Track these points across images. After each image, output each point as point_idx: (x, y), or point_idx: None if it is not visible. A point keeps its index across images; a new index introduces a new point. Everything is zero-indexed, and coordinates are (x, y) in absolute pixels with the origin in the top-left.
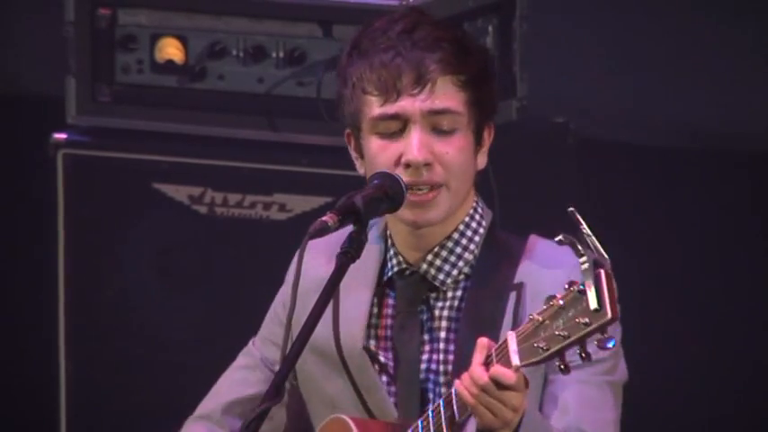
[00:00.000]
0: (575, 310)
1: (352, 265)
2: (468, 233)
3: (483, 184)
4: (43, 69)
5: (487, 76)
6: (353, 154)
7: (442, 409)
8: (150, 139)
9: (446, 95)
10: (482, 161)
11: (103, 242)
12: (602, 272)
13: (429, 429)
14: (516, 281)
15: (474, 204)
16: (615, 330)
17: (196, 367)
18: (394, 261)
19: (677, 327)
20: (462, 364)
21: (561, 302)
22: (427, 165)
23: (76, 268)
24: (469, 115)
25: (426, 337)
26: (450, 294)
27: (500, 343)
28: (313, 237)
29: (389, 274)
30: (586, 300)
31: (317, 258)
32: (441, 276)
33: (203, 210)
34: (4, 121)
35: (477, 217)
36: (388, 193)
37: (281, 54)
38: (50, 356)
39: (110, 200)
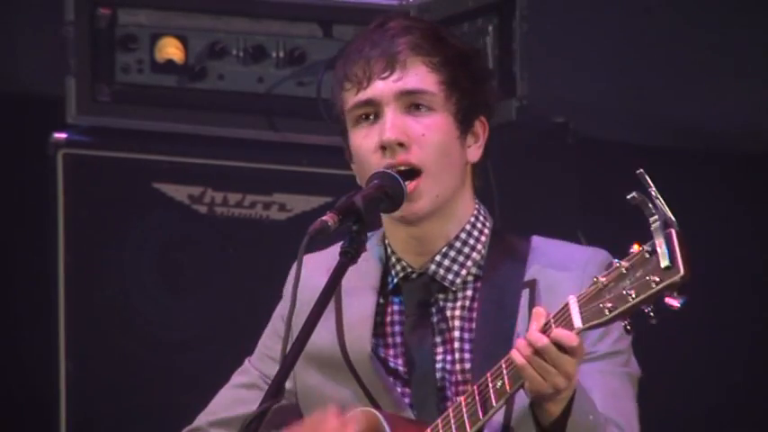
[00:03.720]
0: (643, 269)
1: (352, 273)
2: (475, 233)
3: (483, 184)
4: (43, 69)
5: (467, 64)
6: (348, 157)
7: (489, 382)
8: (150, 139)
9: (418, 76)
10: (474, 154)
11: (103, 242)
12: (673, 231)
13: (475, 404)
14: (527, 278)
15: (477, 206)
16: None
17: (196, 367)
18: (398, 267)
19: (676, 326)
20: (481, 361)
21: (627, 264)
22: (402, 145)
23: (76, 268)
24: (446, 96)
25: (438, 338)
26: (460, 295)
27: (559, 308)
28: (313, 237)
29: (395, 280)
30: (657, 258)
31: (314, 270)
32: (450, 276)
33: (203, 210)
34: (4, 121)
35: (482, 218)
36: (388, 193)
37: (281, 54)
38: (50, 356)
39: (110, 200)
